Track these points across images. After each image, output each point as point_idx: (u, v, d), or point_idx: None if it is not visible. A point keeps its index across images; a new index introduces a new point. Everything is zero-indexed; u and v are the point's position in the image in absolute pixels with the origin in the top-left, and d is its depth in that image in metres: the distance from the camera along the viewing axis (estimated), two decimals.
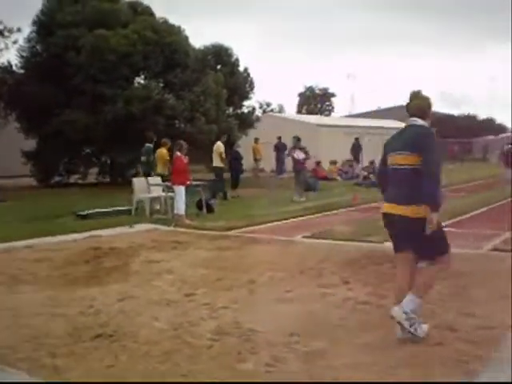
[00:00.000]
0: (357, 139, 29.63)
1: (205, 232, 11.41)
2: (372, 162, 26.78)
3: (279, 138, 26.78)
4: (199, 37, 72.34)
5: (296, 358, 4.45)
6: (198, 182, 15.16)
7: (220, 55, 30.91)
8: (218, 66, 30.24)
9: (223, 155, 18.95)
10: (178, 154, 13.57)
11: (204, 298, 6.28)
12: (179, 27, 27.25)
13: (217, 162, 19.05)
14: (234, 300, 6.21)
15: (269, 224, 12.39)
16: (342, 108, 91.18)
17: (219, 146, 19.13)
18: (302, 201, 17.18)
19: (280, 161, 25.75)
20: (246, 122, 31.60)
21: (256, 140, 28.45)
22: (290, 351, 4.60)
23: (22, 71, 27.50)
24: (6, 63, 27.57)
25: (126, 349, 4.70)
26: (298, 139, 18.75)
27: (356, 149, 29.31)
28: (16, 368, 4.35)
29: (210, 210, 14.69)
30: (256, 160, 28.44)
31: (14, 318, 5.61)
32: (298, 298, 6.26)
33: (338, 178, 28.63)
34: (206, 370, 4.23)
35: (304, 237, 10.58)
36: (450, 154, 46.99)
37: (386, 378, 4.07)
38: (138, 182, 15.28)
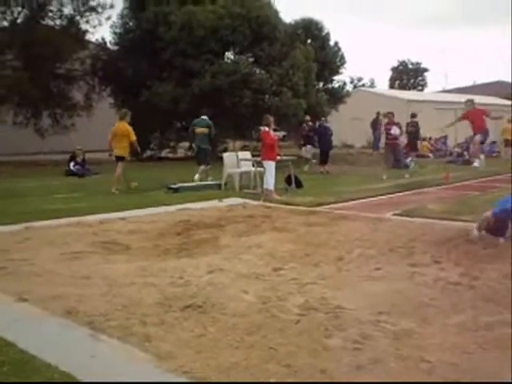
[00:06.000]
0: None
1: (293, 207, 11.40)
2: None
3: (378, 113, 26.33)
4: (290, 11, 71.90)
5: (384, 337, 4.39)
6: (287, 157, 15.14)
7: (310, 29, 30.64)
8: (308, 40, 29.98)
9: None
10: (266, 129, 13.57)
11: (292, 273, 6.28)
12: (269, 2, 27.14)
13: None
14: (321, 276, 6.17)
15: (358, 200, 12.26)
16: (435, 83, 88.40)
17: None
18: (407, 177, 17.35)
19: (377, 137, 25.48)
20: (337, 96, 31.26)
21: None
22: (379, 329, 4.53)
23: (115, 47, 28.17)
24: (100, 40, 28.36)
25: (215, 320, 4.76)
26: (392, 114, 18.46)
27: None
28: (108, 335, 4.50)
29: (298, 185, 14.67)
30: None
31: (107, 286, 5.79)
32: (388, 276, 6.16)
33: (431, 155, 27.97)
34: (293, 343, 4.24)
35: (394, 214, 10.39)
36: None
37: (474, 360, 3.95)
38: (228, 157, 15.46)
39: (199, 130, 16.43)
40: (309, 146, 22.21)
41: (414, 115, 21.43)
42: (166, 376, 3.75)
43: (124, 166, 14.82)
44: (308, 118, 22.54)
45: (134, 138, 14.81)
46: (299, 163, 17.78)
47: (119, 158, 14.88)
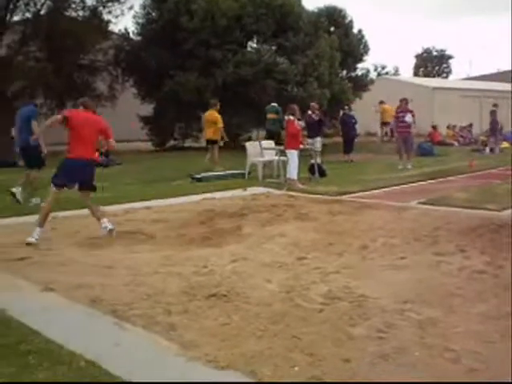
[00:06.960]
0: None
1: (317, 196, 11.36)
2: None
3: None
4: None
5: (409, 326, 4.37)
6: (310, 146, 15.09)
7: (333, 17, 30.31)
8: (332, 28, 29.68)
9: None
10: (291, 118, 13.54)
11: (315, 262, 6.27)
12: None
13: None
14: (345, 265, 6.16)
15: (382, 189, 12.19)
16: (460, 70, 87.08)
17: None
18: (409, 168, 16.30)
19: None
20: (360, 84, 30.98)
21: (382, 102, 27.82)
22: (403, 318, 4.51)
23: (138, 38, 28.20)
24: (123, 30, 28.43)
25: (239, 309, 4.77)
26: (406, 101, 17.82)
27: None
28: (132, 324, 4.52)
29: (322, 174, 14.62)
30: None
31: (132, 276, 5.82)
32: (413, 265, 6.12)
33: (455, 143, 27.64)
34: (317, 332, 4.23)
35: (419, 203, 10.31)
36: None
37: (497, 348, 3.94)
38: (252, 146, 15.45)
39: (270, 115, 18.55)
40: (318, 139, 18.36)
41: (495, 105, 24.33)
42: (191, 364, 3.76)
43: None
44: (316, 105, 19.08)
45: (221, 124, 15.85)
46: (324, 152, 17.57)
47: (209, 142, 16.14)
